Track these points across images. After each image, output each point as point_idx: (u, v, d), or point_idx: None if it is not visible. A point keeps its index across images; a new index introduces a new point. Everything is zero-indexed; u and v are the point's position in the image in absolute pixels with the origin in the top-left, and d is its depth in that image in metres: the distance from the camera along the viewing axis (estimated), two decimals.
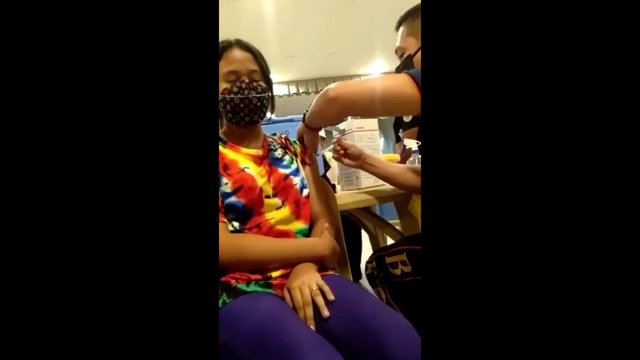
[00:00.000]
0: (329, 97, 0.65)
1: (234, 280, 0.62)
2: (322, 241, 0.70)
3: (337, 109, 0.67)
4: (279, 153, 0.79)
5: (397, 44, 0.85)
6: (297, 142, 0.86)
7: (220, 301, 0.59)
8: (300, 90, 4.58)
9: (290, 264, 0.66)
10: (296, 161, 0.81)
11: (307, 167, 0.83)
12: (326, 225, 0.75)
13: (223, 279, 0.62)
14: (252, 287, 0.61)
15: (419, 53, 0.79)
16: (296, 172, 0.77)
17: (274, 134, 0.87)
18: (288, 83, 4.57)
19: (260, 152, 0.76)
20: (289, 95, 4.55)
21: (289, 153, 0.81)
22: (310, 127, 0.78)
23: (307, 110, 0.76)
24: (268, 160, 0.76)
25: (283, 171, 0.75)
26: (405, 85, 0.60)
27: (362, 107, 0.67)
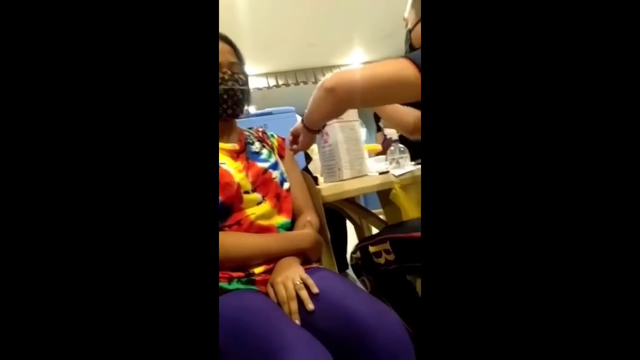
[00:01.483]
0: (325, 87, 0.62)
1: None
2: (305, 234, 0.70)
3: (335, 101, 0.63)
4: (256, 147, 0.77)
5: (405, 14, 0.88)
6: (275, 135, 0.84)
7: None
8: (280, 82, 4.50)
9: (273, 259, 0.65)
10: (274, 155, 0.79)
11: (286, 161, 0.81)
12: (308, 218, 0.74)
13: None
14: (235, 285, 0.60)
15: (417, 27, 0.81)
16: (275, 166, 0.76)
17: (251, 128, 0.85)
18: (267, 75, 4.49)
19: (236, 146, 0.74)
20: (269, 87, 4.47)
21: (266, 147, 0.80)
22: (309, 128, 0.73)
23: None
24: (245, 154, 0.74)
25: (262, 165, 0.74)
26: (405, 69, 0.57)
27: (361, 97, 0.62)
